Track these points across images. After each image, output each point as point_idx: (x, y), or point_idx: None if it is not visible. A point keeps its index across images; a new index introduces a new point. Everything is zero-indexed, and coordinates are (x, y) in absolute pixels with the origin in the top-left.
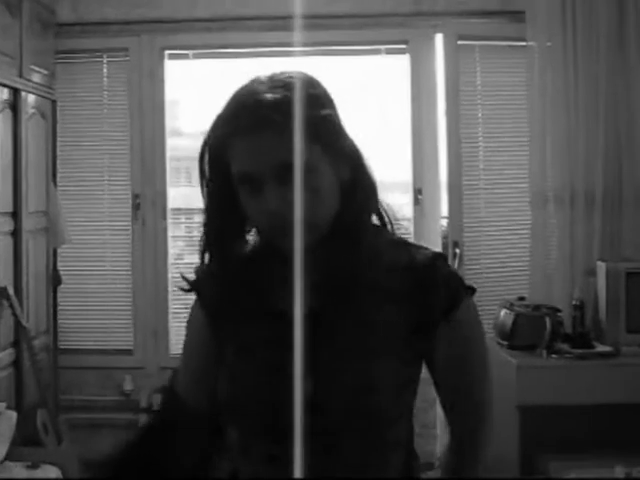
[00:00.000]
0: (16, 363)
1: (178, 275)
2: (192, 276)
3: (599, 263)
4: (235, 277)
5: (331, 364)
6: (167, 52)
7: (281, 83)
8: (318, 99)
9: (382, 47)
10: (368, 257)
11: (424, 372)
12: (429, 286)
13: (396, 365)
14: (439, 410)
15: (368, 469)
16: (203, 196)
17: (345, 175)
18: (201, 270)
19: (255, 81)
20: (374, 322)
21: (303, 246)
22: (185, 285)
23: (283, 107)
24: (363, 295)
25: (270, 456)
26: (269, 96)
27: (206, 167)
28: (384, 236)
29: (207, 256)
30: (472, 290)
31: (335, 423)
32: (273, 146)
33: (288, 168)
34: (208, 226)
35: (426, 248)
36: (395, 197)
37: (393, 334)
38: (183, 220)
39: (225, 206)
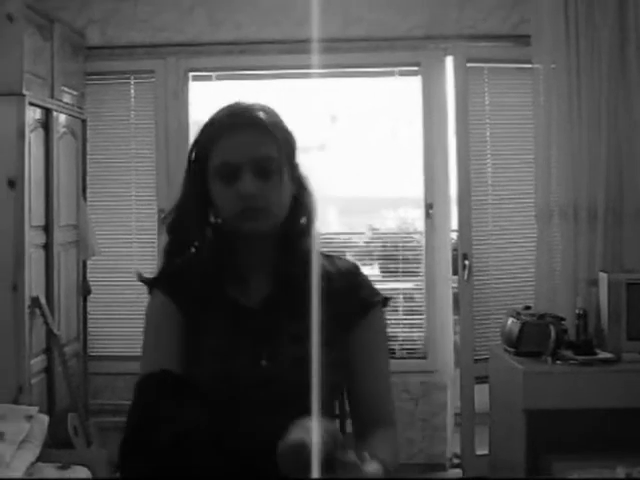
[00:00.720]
0: (48, 369)
1: None
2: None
3: (601, 274)
4: (196, 268)
5: (278, 346)
6: (191, 74)
7: (260, 104)
8: (287, 125)
9: (395, 69)
10: (305, 258)
11: (434, 379)
12: (348, 290)
13: (324, 350)
14: (449, 414)
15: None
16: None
17: (296, 190)
18: (165, 264)
19: (236, 102)
20: (308, 314)
21: (258, 230)
22: (145, 278)
23: (263, 113)
24: (300, 287)
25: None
26: (252, 104)
27: (190, 165)
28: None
29: (172, 240)
30: (386, 300)
31: (281, 393)
32: (252, 142)
33: (263, 161)
34: (179, 212)
35: (347, 260)
36: (407, 211)
37: (330, 323)
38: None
39: (197, 197)
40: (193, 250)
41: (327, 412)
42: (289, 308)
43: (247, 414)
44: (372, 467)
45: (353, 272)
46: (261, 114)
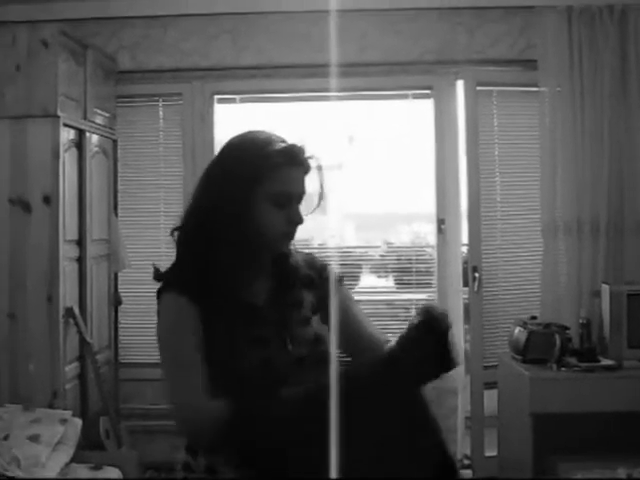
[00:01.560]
0: (81, 375)
1: None
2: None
3: (603, 285)
4: (212, 274)
5: (293, 331)
6: (216, 96)
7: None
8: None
9: (409, 92)
10: (291, 261)
11: (446, 385)
12: (319, 276)
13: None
14: (460, 418)
15: None
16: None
17: None
18: (178, 273)
19: (265, 133)
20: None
21: (287, 248)
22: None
23: (309, 160)
24: (292, 282)
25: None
26: (303, 147)
27: (241, 185)
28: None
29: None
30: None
31: (306, 367)
32: (302, 178)
33: (303, 195)
34: (215, 218)
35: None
36: (420, 226)
37: (312, 308)
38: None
39: (236, 210)
40: (207, 257)
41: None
42: (288, 300)
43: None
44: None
45: (314, 260)
46: (305, 153)
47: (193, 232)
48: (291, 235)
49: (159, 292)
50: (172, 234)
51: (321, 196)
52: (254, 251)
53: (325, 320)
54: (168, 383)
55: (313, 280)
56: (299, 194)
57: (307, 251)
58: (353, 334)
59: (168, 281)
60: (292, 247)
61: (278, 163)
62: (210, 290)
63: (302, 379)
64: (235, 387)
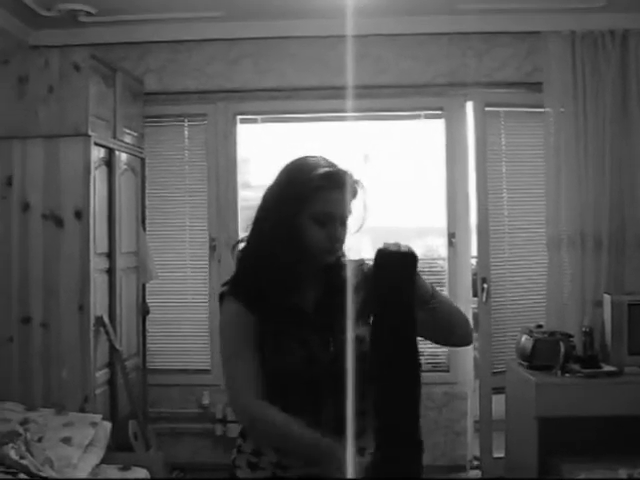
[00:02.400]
0: (111, 381)
1: None
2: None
3: (605, 296)
4: (267, 282)
5: (336, 335)
6: (239, 117)
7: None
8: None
9: (421, 113)
10: (339, 272)
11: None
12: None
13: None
14: (469, 421)
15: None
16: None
17: None
18: (236, 281)
19: (318, 158)
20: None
21: (331, 261)
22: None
23: (351, 179)
24: (339, 292)
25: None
26: (347, 172)
27: (289, 204)
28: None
29: (255, 256)
30: None
31: (345, 368)
32: (344, 200)
33: (346, 216)
34: (269, 237)
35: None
36: (432, 240)
37: (357, 313)
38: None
39: (287, 227)
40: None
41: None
42: (334, 308)
43: (326, 386)
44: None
45: (362, 263)
46: (350, 178)
47: (250, 245)
48: (333, 250)
49: (221, 296)
50: (233, 249)
51: (364, 218)
52: (302, 263)
53: (367, 323)
54: (224, 369)
55: (358, 285)
56: (341, 214)
57: (358, 258)
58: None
59: (228, 288)
60: (343, 258)
61: (320, 186)
62: (263, 297)
63: (335, 381)
64: (279, 382)
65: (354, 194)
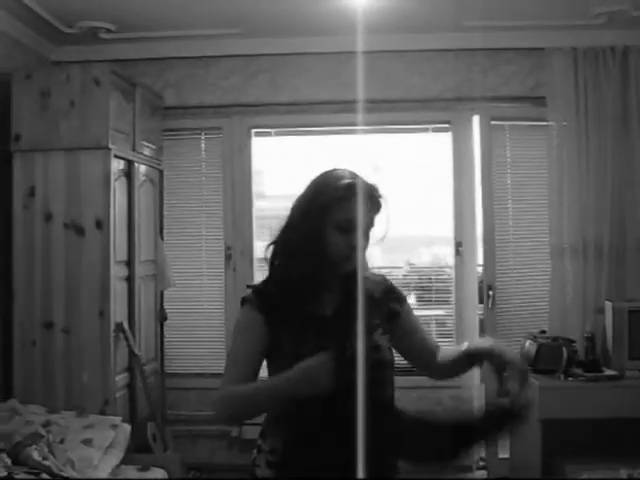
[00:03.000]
0: (130, 385)
1: None
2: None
3: (607, 302)
4: (287, 289)
5: (354, 340)
6: (253, 130)
7: (369, 180)
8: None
9: (429, 126)
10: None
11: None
12: (387, 294)
13: (381, 337)
14: None
15: (386, 399)
16: (296, 231)
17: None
18: (260, 287)
19: (345, 171)
20: (366, 315)
21: (351, 269)
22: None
23: (375, 190)
24: (357, 299)
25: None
26: (372, 185)
27: (313, 213)
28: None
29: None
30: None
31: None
32: (366, 210)
33: (368, 225)
34: (296, 244)
35: (378, 274)
36: (440, 249)
37: (375, 322)
38: (266, 267)
39: (312, 236)
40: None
41: (389, 382)
42: (352, 314)
43: (343, 388)
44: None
45: (384, 280)
46: (374, 192)
47: (277, 251)
48: (352, 257)
49: (242, 300)
50: (266, 250)
51: (386, 230)
52: (323, 269)
53: (386, 331)
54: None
55: (378, 297)
56: (362, 224)
57: (378, 272)
58: (413, 342)
59: (250, 294)
60: (367, 269)
61: (344, 196)
62: (283, 302)
63: (352, 383)
64: None
65: (378, 207)
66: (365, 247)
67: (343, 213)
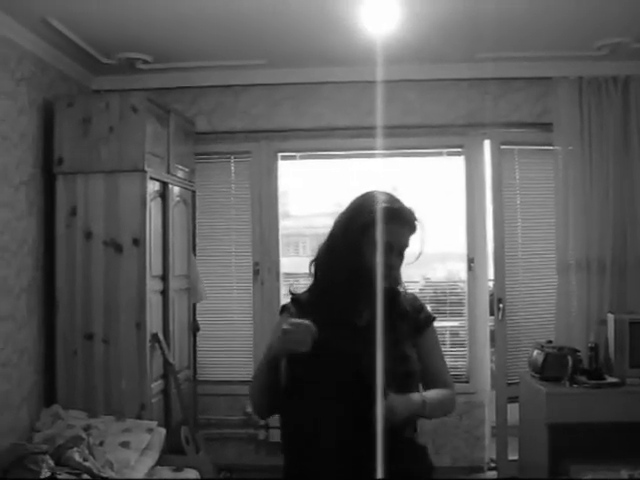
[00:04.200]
0: (165, 391)
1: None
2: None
3: (609, 315)
4: (325, 299)
5: (388, 345)
6: (280, 154)
7: (406, 204)
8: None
9: (444, 150)
10: (391, 295)
11: (475, 399)
12: (416, 311)
13: (408, 348)
14: (487, 427)
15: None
16: (336, 247)
17: None
18: (298, 296)
19: (384, 194)
20: (396, 328)
21: (388, 286)
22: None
23: (411, 214)
24: (392, 313)
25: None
26: (409, 209)
27: (353, 232)
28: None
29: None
30: (434, 318)
31: (388, 377)
32: (403, 232)
33: (404, 247)
34: (334, 260)
35: (410, 292)
36: (453, 264)
37: (404, 335)
38: (292, 282)
39: (354, 255)
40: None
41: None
42: (384, 325)
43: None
44: (414, 396)
45: (415, 299)
46: (410, 215)
47: (318, 264)
48: (387, 275)
49: (282, 308)
50: (310, 266)
51: (420, 251)
52: (360, 284)
53: (415, 345)
54: None
55: (410, 314)
56: (398, 245)
57: (411, 291)
58: (428, 369)
59: (289, 302)
60: (401, 286)
61: (381, 218)
62: (320, 310)
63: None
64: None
65: (413, 229)
66: (400, 265)
67: (381, 234)
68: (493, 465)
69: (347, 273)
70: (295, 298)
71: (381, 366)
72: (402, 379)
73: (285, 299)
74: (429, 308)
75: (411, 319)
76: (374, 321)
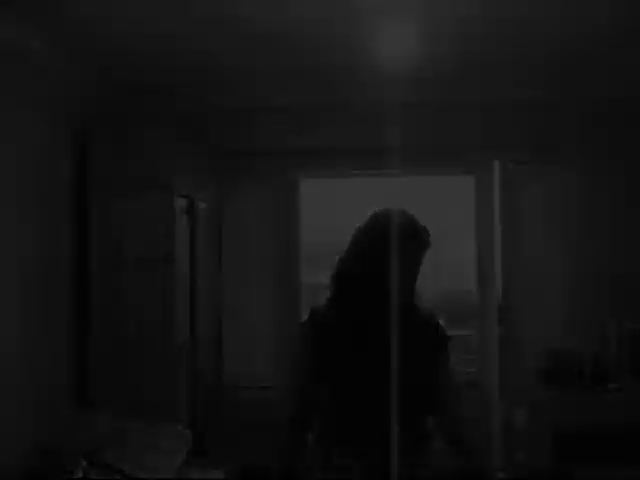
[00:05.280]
0: (193, 396)
1: None
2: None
3: (612, 323)
4: (342, 311)
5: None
6: (301, 174)
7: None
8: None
9: (456, 170)
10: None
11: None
12: (435, 330)
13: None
14: (495, 430)
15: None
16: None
17: None
18: (316, 308)
19: (399, 211)
20: (411, 347)
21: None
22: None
23: (425, 231)
24: (409, 330)
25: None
26: (419, 223)
27: (370, 248)
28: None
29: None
30: (450, 337)
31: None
32: (415, 251)
33: (418, 261)
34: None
35: (428, 309)
36: (464, 276)
37: (422, 352)
38: (311, 295)
39: (371, 269)
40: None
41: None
42: (399, 337)
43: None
44: None
45: (432, 317)
46: (425, 232)
47: (336, 277)
48: (403, 289)
49: (301, 325)
50: (331, 281)
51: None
52: (378, 300)
53: (427, 363)
54: None
55: (425, 326)
56: (413, 261)
57: (426, 307)
58: (432, 387)
59: (309, 314)
60: (419, 299)
61: (397, 235)
62: (336, 322)
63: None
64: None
65: (427, 245)
66: (415, 280)
67: (396, 250)
68: (500, 470)
69: (364, 288)
70: (314, 312)
71: (395, 393)
72: (412, 399)
73: (306, 312)
74: (442, 323)
75: (427, 338)
76: (389, 340)
